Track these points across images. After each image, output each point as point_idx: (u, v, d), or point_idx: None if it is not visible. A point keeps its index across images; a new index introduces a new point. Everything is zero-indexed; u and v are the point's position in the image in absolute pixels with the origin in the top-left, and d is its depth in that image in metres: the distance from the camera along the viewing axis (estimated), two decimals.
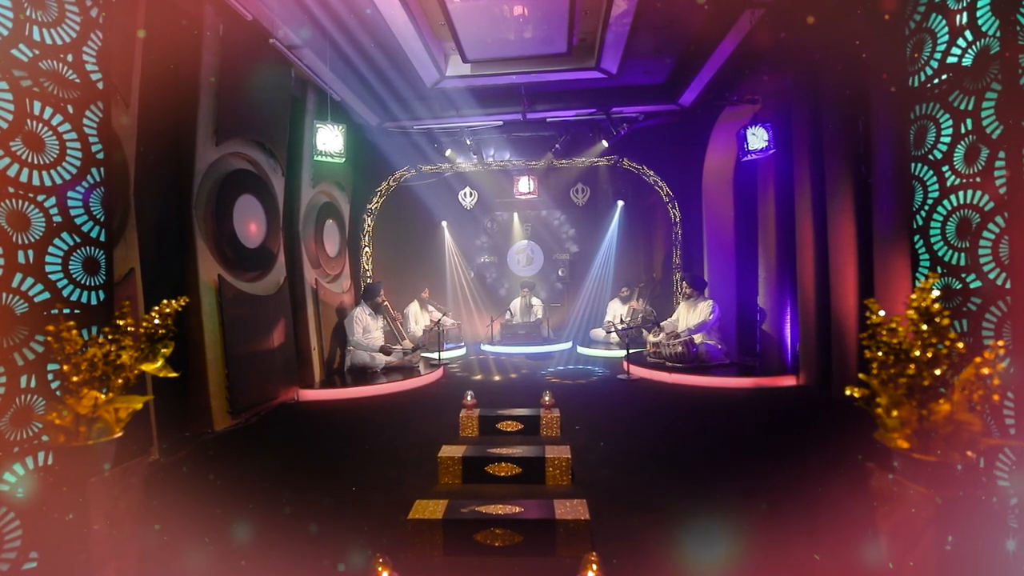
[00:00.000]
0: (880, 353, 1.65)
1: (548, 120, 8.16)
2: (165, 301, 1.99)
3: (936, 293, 1.57)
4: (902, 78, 3.22)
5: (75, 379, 1.81)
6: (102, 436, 1.85)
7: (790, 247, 6.08)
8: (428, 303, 9.19)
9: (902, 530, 1.56)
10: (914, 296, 1.62)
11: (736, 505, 3.04)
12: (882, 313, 1.66)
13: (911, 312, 1.61)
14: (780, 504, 3.00)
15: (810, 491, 3.12)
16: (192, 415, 4.50)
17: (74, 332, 1.85)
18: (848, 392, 1.71)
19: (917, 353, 1.56)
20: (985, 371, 1.53)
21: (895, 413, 1.59)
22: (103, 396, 1.84)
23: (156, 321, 1.94)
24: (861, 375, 1.72)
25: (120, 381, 1.90)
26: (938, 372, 1.54)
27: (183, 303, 2.04)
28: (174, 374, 2.02)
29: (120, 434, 1.91)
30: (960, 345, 1.56)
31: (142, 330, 1.95)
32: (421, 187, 9.49)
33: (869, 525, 1.79)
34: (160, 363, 1.96)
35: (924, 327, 1.56)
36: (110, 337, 1.91)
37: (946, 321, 1.57)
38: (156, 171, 4.22)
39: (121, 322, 1.92)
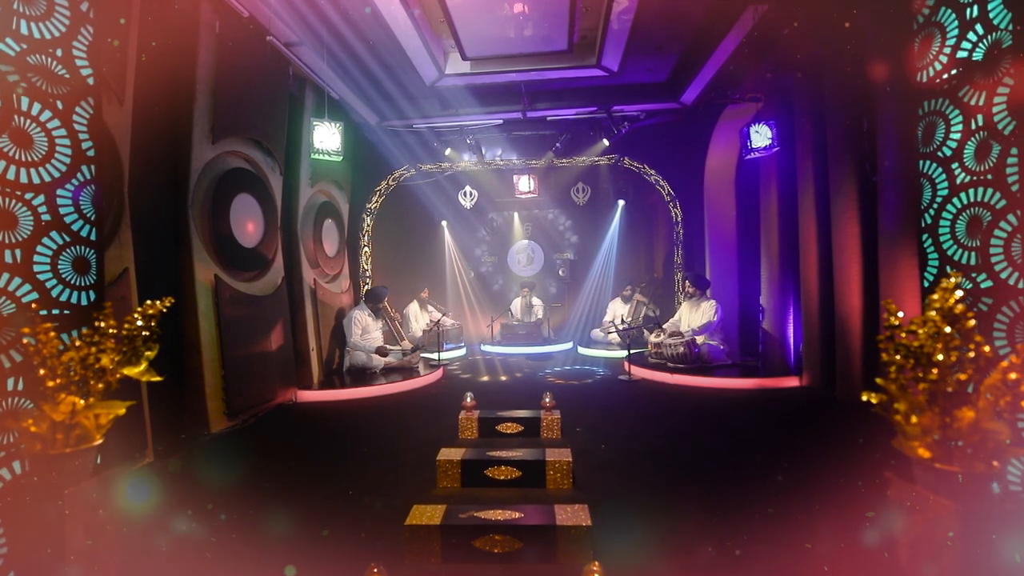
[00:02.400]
0: (899, 356, 1.56)
1: (548, 119, 8.10)
2: (148, 302, 1.92)
3: (960, 293, 1.49)
4: (910, 74, 3.16)
5: (51, 384, 1.73)
6: (81, 444, 1.77)
7: (793, 246, 6.02)
8: (428, 303, 9.12)
9: (924, 544, 1.48)
10: (935, 296, 1.53)
11: (741, 510, 2.98)
12: (901, 315, 1.58)
13: (932, 313, 1.52)
14: (788, 510, 2.94)
15: (819, 497, 3.05)
16: (188, 417, 4.44)
17: (51, 334, 1.78)
18: (864, 398, 1.62)
19: (940, 357, 1.48)
20: (1013, 376, 1.44)
21: (914, 420, 1.50)
22: (81, 402, 1.76)
23: (139, 323, 1.87)
24: (878, 380, 1.63)
25: (101, 386, 1.82)
26: (963, 377, 1.46)
27: (167, 304, 1.97)
28: (157, 378, 1.95)
29: (100, 441, 1.83)
30: (987, 348, 1.47)
31: (124, 332, 1.87)
32: (421, 186, 9.43)
33: (885, 536, 1.72)
34: (143, 367, 1.89)
35: (948, 329, 1.48)
36: (88, 340, 1.84)
37: (971, 323, 1.49)
38: (151, 169, 4.16)
39: (102, 324, 1.85)
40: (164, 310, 1.92)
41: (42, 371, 1.72)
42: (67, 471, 1.75)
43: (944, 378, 1.45)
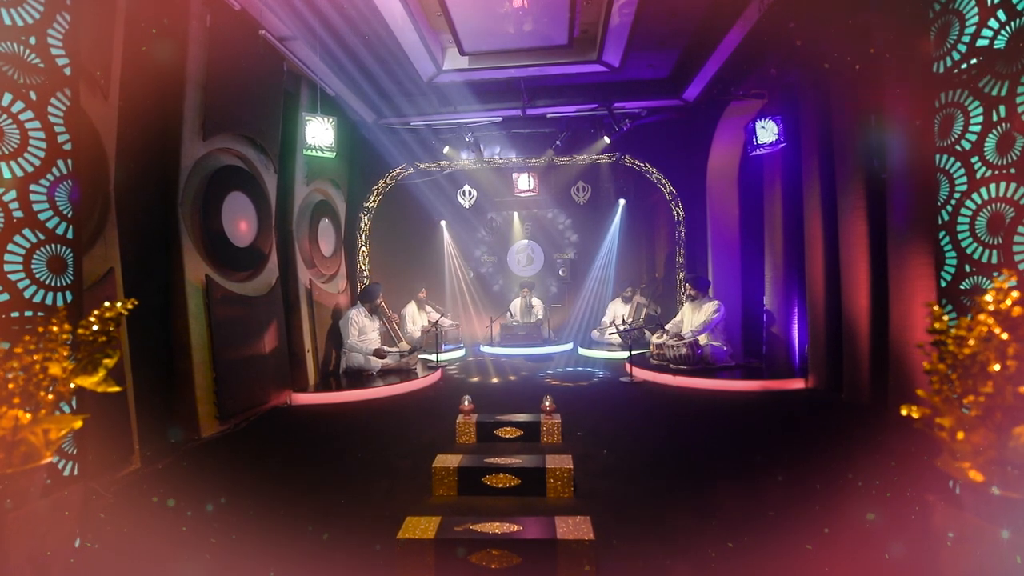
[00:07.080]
0: (942, 365, 1.41)
1: (548, 116, 7.97)
2: (107, 304, 1.77)
3: (1016, 294, 1.33)
4: (925, 65, 3.02)
5: None
6: (27, 462, 1.61)
7: (798, 245, 5.90)
8: (425, 303, 9.00)
9: None
10: (988, 298, 1.39)
11: (750, 521, 2.85)
12: (946, 318, 1.43)
13: (984, 316, 1.37)
14: (798, 518, 2.81)
15: (831, 506, 2.93)
16: (177, 421, 4.31)
17: None
18: (904, 411, 1.47)
19: (996, 367, 1.32)
20: None
21: (960, 436, 1.35)
22: (27, 416, 1.61)
23: (96, 328, 1.72)
24: (920, 392, 1.48)
25: (51, 397, 1.67)
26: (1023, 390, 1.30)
27: (129, 307, 1.83)
28: (116, 388, 1.79)
29: (49, 459, 1.68)
30: None
31: (79, 338, 1.72)
32: (419, 185, 9.31)
33: (926, 561, 1.57)
34: (101, 376, 1.73)
35: (1004, 335, 1.32)
36: (31, 347, 1.68)
37: None
38: (139, 166, 4.04)
39: (55, 328, 1.70)
40: (125, 312, 1.78)
41: None
42: (10, 493, 1.59)
43: (1001, 391, 1.30)
